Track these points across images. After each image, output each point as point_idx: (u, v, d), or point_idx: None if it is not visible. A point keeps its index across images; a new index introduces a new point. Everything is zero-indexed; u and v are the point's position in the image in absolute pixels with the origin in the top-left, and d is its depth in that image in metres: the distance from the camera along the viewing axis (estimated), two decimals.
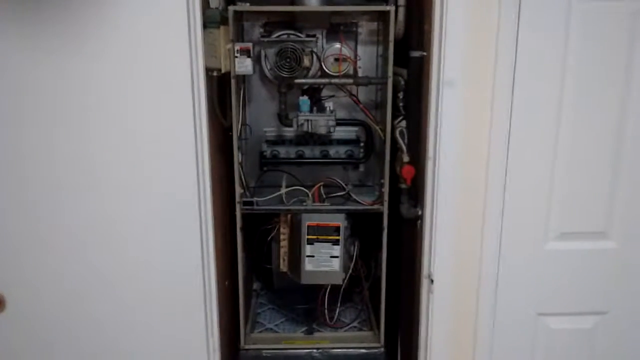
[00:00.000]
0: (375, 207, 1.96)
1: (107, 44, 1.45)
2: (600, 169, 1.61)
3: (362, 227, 2.11)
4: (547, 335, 1.75)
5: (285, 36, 1.95)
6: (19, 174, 1.51)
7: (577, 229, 1.67)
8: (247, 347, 2.04)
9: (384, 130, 1.91)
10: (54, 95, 1.47)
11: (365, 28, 2.07)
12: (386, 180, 1.92)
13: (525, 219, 1.66)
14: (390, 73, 1.84)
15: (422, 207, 1.75)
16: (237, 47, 1.80)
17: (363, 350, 2.04)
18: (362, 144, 2.10)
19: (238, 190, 1.92)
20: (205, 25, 1.60)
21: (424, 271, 1.74)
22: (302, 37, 1.96)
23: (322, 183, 2.02)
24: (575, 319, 1.75)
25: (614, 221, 1.65)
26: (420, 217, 1.78)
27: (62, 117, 1.48)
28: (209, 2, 1.73)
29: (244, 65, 1.82)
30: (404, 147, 1.83)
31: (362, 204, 1.98)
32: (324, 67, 2.00)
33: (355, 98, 2.03)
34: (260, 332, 2.16)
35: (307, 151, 2.11)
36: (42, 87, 1.46)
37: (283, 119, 2.00)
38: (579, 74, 1.54)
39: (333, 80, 1.97)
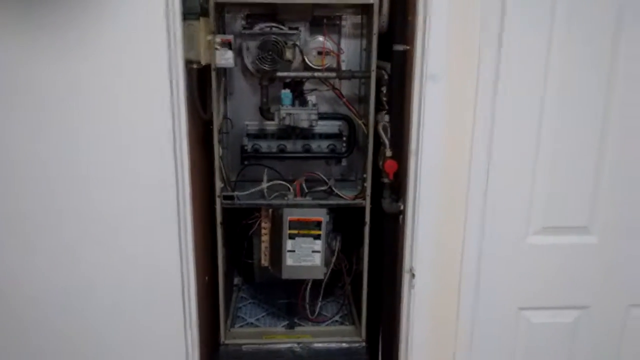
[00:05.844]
0: (358, 201, 1.95)
1: (83, 33, 1.41)
2: (583, 163, 1.61)
3: (344, 222, 2.10)
4: (528, 329, 1.76)
5: (267, 29, 1.93)
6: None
7: (559, 223, 1.67)
8: (227, 342, 2.03)
9: (367, 125, 1.90)
10: (36, 91, 1.43)
11: (349, 21, 2.06)
12: (368, 175, 1.91)
13: (507, 213, 1.65)
14: (373, 67, 1.83)
15: (404, 202, 1.75)
16: (218, 39, 1.77)
17: (344, 345, 2.04)
18: (344, 138, 2.09)
19: (218, 184, 1.90)
20: (184, 17, 1.57)
21: (406, 266, 1.73)
22: (285, 29, 1.94)
23: (304, 177, 2.00)
24: (556, 313, 1.75)
25: (597, 216, 1.65)
26: (402, 212, 1.77)
27: (43, 113, 1.45)
28: None
29: (225, 58, 1.79)
30: (387, 142, 1.82)
31: (344, 198, 1.97)
32: (306, 60, 1.98)
33: (338, 92, 2.01)
34: (241, 326, 2.14)
35: (289, 145, 2.09)
36: (21, 83, 1.42)
37: (265, 112, 1.99)
38: (563, 68, 1.53)
39: (316, 74, 1.95)
